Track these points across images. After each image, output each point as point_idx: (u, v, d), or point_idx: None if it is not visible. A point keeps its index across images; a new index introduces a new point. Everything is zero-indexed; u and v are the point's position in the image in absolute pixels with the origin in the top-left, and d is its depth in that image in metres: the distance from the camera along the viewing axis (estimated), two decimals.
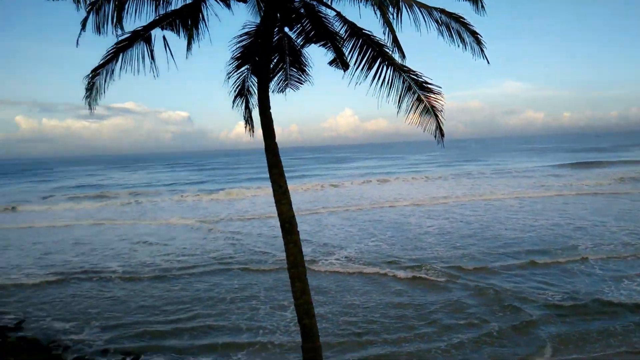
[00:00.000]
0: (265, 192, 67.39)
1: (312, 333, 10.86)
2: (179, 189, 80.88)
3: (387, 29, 9.41)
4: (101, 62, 9.93)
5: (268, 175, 11.83)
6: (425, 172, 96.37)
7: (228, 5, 11.74)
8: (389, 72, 11.09)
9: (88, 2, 9.24)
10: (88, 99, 10.35)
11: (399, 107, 11.09)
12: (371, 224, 40.13)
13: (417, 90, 11.01)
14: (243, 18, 12.54)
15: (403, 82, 11.09)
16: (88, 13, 9.20)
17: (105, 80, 10.42)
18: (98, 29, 9.42)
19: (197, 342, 17.78)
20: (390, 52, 10.85)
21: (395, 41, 9.53)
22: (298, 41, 12.70)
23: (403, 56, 9.91)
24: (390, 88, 11.10)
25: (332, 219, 43.78)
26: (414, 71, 10.97)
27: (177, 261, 29.85)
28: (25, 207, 64.02)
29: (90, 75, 10.13)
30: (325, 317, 19.36)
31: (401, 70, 10.93)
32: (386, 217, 43.89)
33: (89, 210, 58.84)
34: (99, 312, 21.37)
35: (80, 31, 9.27)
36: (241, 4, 12.37)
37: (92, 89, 10.36)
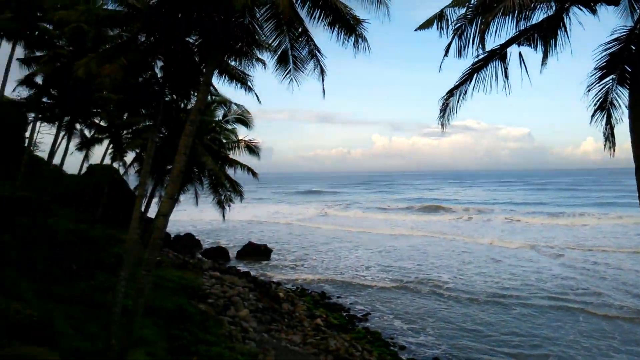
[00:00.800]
0: (614, 221, 57.80)
1: None
2: (513, 209, 77.56)
3: None
4: (457, 83, 10.34)
5: (625, 201, 9.83)
6: None
7: (594, 11, 10.44)
8: None
9: (452, 29, 9.81)
10: (441, 119, 10.91)
11: None
12: None
13: None
14: (609, 24, 10.97)
15: None
16: (451, 39, 9.76)
17: (458, 101, 10.78)
18: (459, 53, 9.85)
19: None
20: None
21: None
22: None
23: None
24: None
25: None
26: None
27: (509, 286, 28.61)
28: (371, 214, 73.97)
29: (445, 97, 10.67)
30: None
31: None
32: None
33: (424, 222, 63.33)
34: (434, 321, 22.58)
35: (444, 56, 9.92)
36: (610, 8, 10.84)
37: (445, 110, 10.88)
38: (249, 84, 14.81)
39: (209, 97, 17.97)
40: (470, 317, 22.99)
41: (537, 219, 62.80)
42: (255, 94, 15.71)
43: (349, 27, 10.84)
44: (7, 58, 25.52)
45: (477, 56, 9.86)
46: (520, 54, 10.02)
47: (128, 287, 13.57)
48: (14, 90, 23.97)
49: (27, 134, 31.89)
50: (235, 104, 21.59)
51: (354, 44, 11.11)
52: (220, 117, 22.06)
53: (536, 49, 10.11)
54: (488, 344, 19.80)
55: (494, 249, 41.88)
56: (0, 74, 25.67)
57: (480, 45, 9.28)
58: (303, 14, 10.97)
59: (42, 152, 35.35)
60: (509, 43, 9.95)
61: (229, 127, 22.30)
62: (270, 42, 11.85)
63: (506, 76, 10.27)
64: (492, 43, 9.72)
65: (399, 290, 28.19)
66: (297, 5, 10.77)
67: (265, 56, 13.15)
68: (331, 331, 21.47)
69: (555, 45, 10.10)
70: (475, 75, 10.42)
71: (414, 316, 23.21)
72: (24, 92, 23.11)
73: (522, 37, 9.88)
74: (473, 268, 33.74)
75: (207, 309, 21.38)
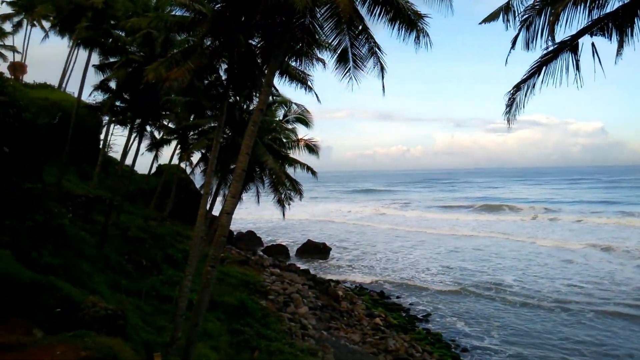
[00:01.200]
0: None
1: None
2: (583, 208, 72.92)
3: None
4: (524, 77, 9.93)
5: None
6: None
7: None
8: None
9: (519, 21, 9.44)
10: (507, 115, 10.51)
11: None
12: None
13: None
14: None
15: None
16: (519, 31, 9.39)
17: (525, 95, 10.35)
18: (527, 45, 9.47)
19: None
20: None
21: None
22: None
23: None
24: None
25: None
26: None
27: (579, 291, 27.04)
28: (431, 214, 72.29)
29: (512, 91, 10.26)
30: None
31: None
32: None
33: (487, 222, 61.13)
34: (500, 325, 21.78)
35: (510, 49, 9.58)
36: None
37: (512, 105, 10.47)
38: (309, 83, 14.97)
39: (270, 97, 18.34)
40: (539, 323, 21.97)
41: (610, 219, 58.84)
42: (315, 93, 15.85)
43: (410, 22, 10.68)
44: (84, 64, 27.27)
45: (546, 48, 9.42)
46: (593, 45, 9.45)
47: (193, 282, 14.12)
48: (90, 94, 25.63)
49: (102, 136, 34.00)
50: (295, 103, 21.89)
51: (415, 39, 10.92)
52: (281, 117, 22.44)
53: (610, 39, 9.52)
54: (558, 352, 18.85)
55: (562, 250, 39.77)
56: (78, 80, 27.49)
57: (549, 37, 8.86)
58: (363, 11, 10.93)
59: (115, 153, 37.58)
60: (580, 33, 9.43)
61: (289, 126, 22.64)
62: (330, 41, 11.90)
63: (577, 68, 9.73)
64: (562, 34, 9.26)
65: (461, 291, 27.44)
66: (357, 3, 10.75)
67: (325, 55, 13.23)
68: (390, 331, 21.28)
69: (632, 34, 9.46)
70: (544, 68, 9.96)
71: (478, 319, 22.50)
72: (99, 97, 24.65)
73: (595, 27, 9.33)
74: (540, 270, 32.27)
75: (268, 305, 21.83)
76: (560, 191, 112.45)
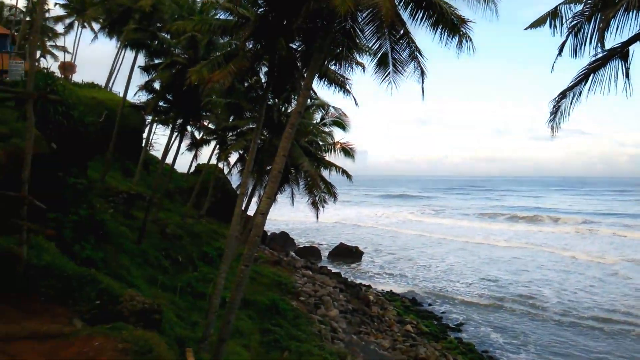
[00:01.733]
0: None
1: None
2: (628, 221, 69.38)
3: None
4: (570, 84, 9.65)
5: None
6: None
7: None
8: None
9: (566, 27, 9.16)
10: (552, 122, 10.25)
11: None
12: None
13: None
14: None
15: None
16: (566, 37, 9.13)
17: (571, 103, 10.05)
18: (575, 52, 9.19)
19: None
20: None
21: None
22: None
23: None
24: None
25: None
26: None
27: (621, 307, 25.84)
28: (467, 222, 70.53)
29: (557, 99, 9.99)
30: None
31: None
32: None
33: (524, 232, 59.23)
34: (536, 338, 21.15)
35: (557, 56, 9.31)
36: None
37: (556, 112, 10.20)
38: (347, 87, 14.95)
39: (308, 100, 18.43)
40: (579, 340, 21.13)
41: None
42: (353, 96, 15.80)
43: (452, 27, 10.51)
44: (130, 65, 28.22)
45: (595, 55, 9.11)
46: None
47: (227, 280, 14.32)
48: (135, 94, 26.50)
49: (145, 135, 35.06)
50: (333, 106, 21.90)
51: (457, 44, 10.73)
52: (318, 120, 22.50)
53: None
54: None
55: (602, 264, 38.21)
56: (124, 80, 28.48)
57: (598, 44, 8.57)
58: (405, 16, 10.82)
59: (157, 152, 38.69)
60: (632, 40, 9.08)
61: (326, 129, 22.66)
62: (370, 45, 11.84)
63: (627, 76, 9.38)
64: (612, 41, 8.94)
65: (496, 302, 26.75)
66: (399, 7, 10.67)
67: (365, 59, 13.18)
68: (421, 339, 21.00)
69: None
70: (592, 75, 9.64)
71: (513, 331, 21.89)
72: (143, 97, 25.43)
73: None
74: (579, 284, 31.11)
75: (299, 306, 21.92)
76: (605, 203, 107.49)
